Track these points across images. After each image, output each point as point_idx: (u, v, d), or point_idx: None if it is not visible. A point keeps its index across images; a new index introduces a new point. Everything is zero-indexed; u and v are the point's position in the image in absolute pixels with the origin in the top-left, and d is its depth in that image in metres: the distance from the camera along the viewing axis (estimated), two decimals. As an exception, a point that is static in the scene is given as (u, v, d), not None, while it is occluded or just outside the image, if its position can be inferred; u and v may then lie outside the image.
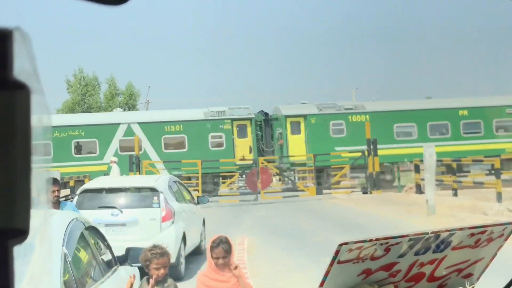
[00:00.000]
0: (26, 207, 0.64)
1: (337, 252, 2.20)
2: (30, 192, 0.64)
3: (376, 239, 2.27)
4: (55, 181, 7.12)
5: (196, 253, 11.63)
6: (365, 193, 24.28)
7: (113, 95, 44.39)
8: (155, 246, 4.75)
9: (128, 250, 5.68)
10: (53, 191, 6.86)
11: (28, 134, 0.64)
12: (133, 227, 9.63)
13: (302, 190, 24.85)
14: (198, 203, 12.15)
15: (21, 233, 0.64)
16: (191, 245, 10.99)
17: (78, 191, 10.27)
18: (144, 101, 49.70)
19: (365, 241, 2.24)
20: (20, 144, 0.64)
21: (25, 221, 0.64)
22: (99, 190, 10.13)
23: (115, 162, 21.50)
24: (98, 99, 44.61)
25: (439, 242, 2.54)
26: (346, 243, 2.19)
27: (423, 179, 19.14)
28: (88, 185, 10.68)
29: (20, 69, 0.65)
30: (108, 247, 5.48)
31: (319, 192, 24.27)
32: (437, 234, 2.49)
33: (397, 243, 2.36)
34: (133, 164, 23.37)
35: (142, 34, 73.05)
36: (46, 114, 0.69)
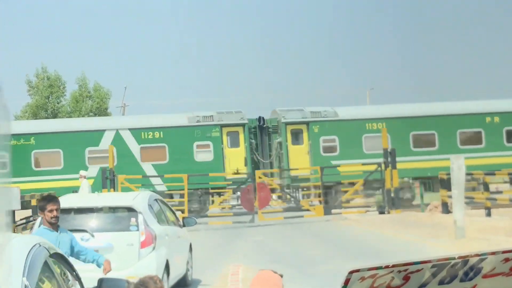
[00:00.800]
0: None
1: (347, 281, 2.21)
2: None
3: (393, 266, 2.27)
4: (53, 199, 7.11)
5: (181, 285, 11.61)
6: (381, 212, 24.29)
7: (84, 98, 44.33)
8: (152, 279, 4.46)
9: (100, 281, 5.67)
10: (51, 211, 6.90)
11: None
12: (107, 254, 9.60)
13: (307, 210, 24.84)
14: (184, 225, 12.14)
15: None
16: (175, 276, 10.97)
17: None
18: (119, 105, 49.80)
19: (380, 268, 2.24)
20: None
21: None
22: (66, 211, 10.10)
23: (84, 177, 21.47)
24: (65, 101, 44.60)
25: (467, 269, 2.55)
26: (358, 271, 2.19)
27: (450, 196, 19.15)
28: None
29: None
30: (77, 278, 5.48)
31: (327, 212, 24.25)
32: (465, 260, 2.49)
33: (418, 270, 2.36)
34: (107, 179, 23.35)
35: (115, 27, 73.20)
36: (5, 119, 0.70)
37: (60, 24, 72.86)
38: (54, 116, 42.42)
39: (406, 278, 2.36)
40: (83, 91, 44.70)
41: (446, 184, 22.06)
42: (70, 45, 71.90)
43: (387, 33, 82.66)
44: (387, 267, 2.26)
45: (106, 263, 7.14)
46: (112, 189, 22.98)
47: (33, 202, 22.32)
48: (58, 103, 44.14)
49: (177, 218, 12.20)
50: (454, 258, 2.48)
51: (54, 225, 6.99)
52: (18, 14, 68.22)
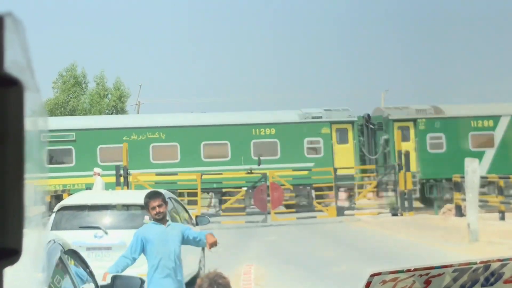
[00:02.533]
0: (19, 224, 0.63)
1: (368, 284, 2.18)
2: (23, 207, 0.63)
3: (415, 269, 2.24)
4: (153, 195, 6.95)
5: (194, 284, 11.59)
6: (394, 215, 24.21)
7: (101, 96, 44.51)
8: (218, 275, 4.43)
9: (113, 278, 5.67)
10: (153, 208, 6.82)
11: (21, 138, 0.63)
12: (120, 251, 9.58)
13: (320, 211, 24.80)
14: (197, 224, 12.13)
15: (13, 254, 0.63)
16: (187, 274, 10.95)
17: (56, 208, 10.26)
18: (134, 103, 49.91)
19: (401, 271, 2.21)
20: (12, 150, 0.62)
21: (17, 241, 0.63)
22: (80, 207, 10.13)
23: (99, 174, 21.53)
24: (83, 99, 44.80)
25: (488, 275, 2.51)
26: (379, 274, 2.16)
27: (464, 199, 19.06)
28: (67, 201, 10.68)
29: (12, 62, 0.63)
30: (91, 274, 5.47)
31: (340, 213, 24.20)
32: (486, 265, 2.46)
33: (439, 275, 2.33)
34: (121, 177, 23.40)
35: (132, 23, 73.48)
36: (42, 114, 0.68)
37: (77, 23, 73.26)
38: (72, 113, 42.58)
39: (427, 282, 2.33)
40: (101, 89, 44.86)
41: (460, 187, 21.97)
42: (88, 43, 72.23)
43: (401, 35, 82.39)
44: (408, 270, 2.23)
45: (209, 236, 6.97)
46: (125, 187, 23.01)
47: (48, 198, 22.46)
48: (78, 101, 44.30)
49: (190, 216, 12.20)
50: (475, 263, 2.45)
51: (161, 220, 6.89)
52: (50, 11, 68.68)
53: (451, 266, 2.36)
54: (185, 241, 6.99)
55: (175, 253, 6.84)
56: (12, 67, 0.63)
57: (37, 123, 0.67)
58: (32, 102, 0.65)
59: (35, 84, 0.67)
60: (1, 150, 0.62)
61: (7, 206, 0.63)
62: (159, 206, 6.82)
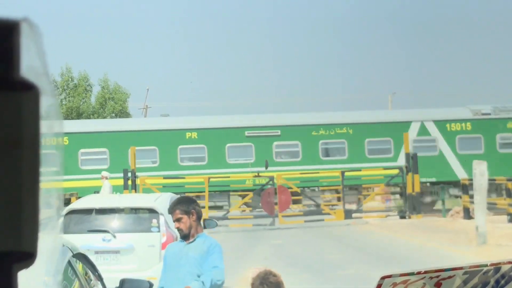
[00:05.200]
0: (34, 227, 0.63)
1: (378, 287, 2.18)
2: (38, 210, 0.64)
3: (425, 272, 2.24)
4: (177, 204, 5.88)
5: (202, 287, 11.59)
6: (402, 217, 24.16)
7: (106, 99, 44.55)
8: (269, 273, 4.37)
9: (122, 282, 5.67)
10: (174, 221, 5.85)
11: (37, 142, 0.64)
12: (129, 254, 9.63)
13: (328, 214, 24.77)
14: (205, 227, 12.11)
15: (28, 257, 0.64)
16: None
17: (64, 212, 10.29)
18: (141, 107, 49.96)
19: (411, 273, 2.21)
20: (27, 154, 0.63)
21: (33, 244, 0.63)
22: (88, 211, 10.14)
23: (106, 178, 21.56)
24: (90, 103, 44.84)
25: (499, 277, 2.50)
26: (390, 276, 2.16)
27: (472, 202, 19.00)
28: (75, 204, 10.70)
29: (28, 67, 0.64)
30: (99, 278, 5.48)
31: (347, 216, 24.16)
32: (497, 267, 2.45)
33: (449, 277, 2.32)
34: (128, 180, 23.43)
35: (133, 28, 73.59)
36: (57, 119, 0.68)
37: (80, 25, 73.44)
38: (78, 117, 42.65)
39: (438, 285, 2.32)
40: (106, 92, 44.88)
41: (468, 190, 21.90)
42: (91, 46, 72.39)
43: (406, 37, 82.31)
44: (419, 273, 2.22)
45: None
46: (133, 190, 23.04)
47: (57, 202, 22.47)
48: (83, 104, 44.36)
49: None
50: (486, 265, 2.44)
51: (183, 237, 5.85)
52: (47, 14, 68.90)
53: (461, 268, 2.35)
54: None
55: (187, 279, 5.57)
56: (28, 72, 0.64)
57: (53, 127, 0.68)
58: (48, 107, 0.66)
59: (51, 88, 0.68)
60: (17, 154, 0.63)
61: (22, 210, 0.63)
62: (177, 220, 5.72)
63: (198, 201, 6.33)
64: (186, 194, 24.18)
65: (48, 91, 0.66)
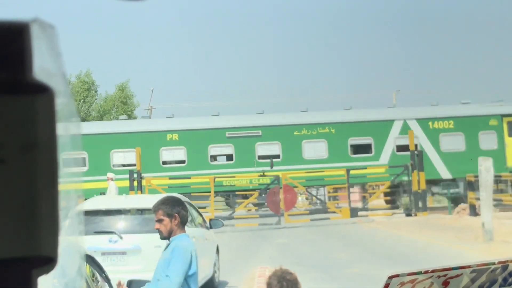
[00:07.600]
0: (53, 231, 0.63)
1: (386, 286, 2.17)
2: (57, 213, 0.64)
3: (433, 271, 2.23)
4: (178, 203, 5.55)
5: (208, 287, 11.59)
6: (408, 215, 24.13)
7: (123, 103, 45.00)
8: (285, 271, 4.38)
9: (129, 283, 5.67)
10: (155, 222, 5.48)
11: (54, 144, 0.63)
12: (135, 255, 9.64)
13: (334, 212, 24.76)
14: (211, 227, 12.13)
15: (48, 262, 0.64)
16: (202, 277, 10.95)
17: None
18: (146, 108, 50.00)
19: (419, 273, 2.20)
20: (44, 157, 0.63)
21: (53, 248, 0.63)
22: (94, 212, 10.16)
23: (112, 179, 21.59)
24: (95, 105, 45.04)
25: (506, 275, 2.50)
26: (397, 275, 2.16)
27: (478, 199, 18.96)
28: (82, 206, 10.69)
29: (41, 68, 0.64)
30: (106, 279, 5.48)
31: (353, 214, 24.14)
32: (504, 265, 2.44)
33: (457, 276, 2.32)
34: (135, 181, 23.45)
35: (139, 26, 73.67)
36: (74, 121, 0.68)
37: (80, 26, 73.56)
38: (84, 119, 42.73)
39: (446, 283, 2.32)
40: (122, 96, 45.36)
41: (474, 187, 21.86)
42: (92, 47, 72.50)
43: (412, 35, 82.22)
44: (426, 272, 2.22)
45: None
46: (139, 191, 23.07)
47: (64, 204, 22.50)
48: (89, 107, 44.50)
49: (204, 220, 12.20)
50: (493, 263, 2.44)
51: (163, 238, 5.64)
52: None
53: (469, 267, 2.35)
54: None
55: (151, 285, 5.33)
56: (41, 73, 0.64)
57: (69, 129, 0.68)
58: (63, 108, 0.66)
59: (66, 89, 0.68)
60: (33, 157, 0.63)
61: (41, 214, 0.63)
62: (159, 221, 5.42)
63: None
64: (192, 194, 24.31)
65: (63, 92, 0.66)
